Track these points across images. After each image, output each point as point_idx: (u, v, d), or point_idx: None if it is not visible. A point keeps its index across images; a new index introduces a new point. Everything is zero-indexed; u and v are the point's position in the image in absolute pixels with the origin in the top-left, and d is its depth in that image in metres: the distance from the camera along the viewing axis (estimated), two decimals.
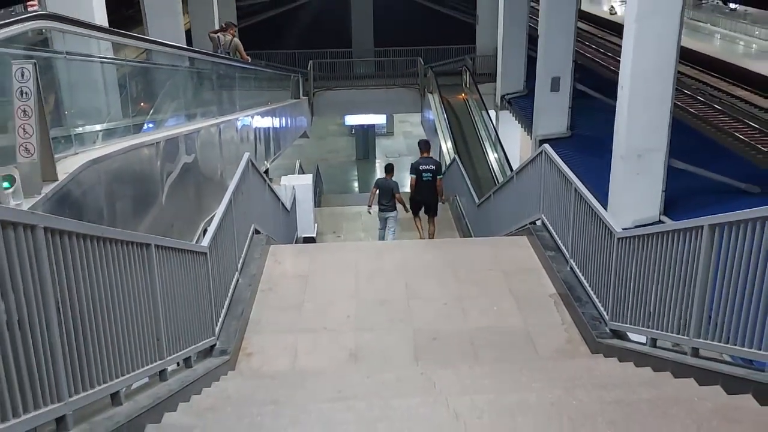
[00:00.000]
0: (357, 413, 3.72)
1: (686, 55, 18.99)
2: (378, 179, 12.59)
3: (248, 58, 13.88)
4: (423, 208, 11.42)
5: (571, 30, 15.79)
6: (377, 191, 11.85)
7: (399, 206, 11.85)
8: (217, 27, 18.75)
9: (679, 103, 14.67)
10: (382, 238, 12.09)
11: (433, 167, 11.01)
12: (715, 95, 20.92)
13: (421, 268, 7.82)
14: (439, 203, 11.46)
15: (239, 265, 6.87)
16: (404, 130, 34.09)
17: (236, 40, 13.12)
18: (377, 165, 30.50)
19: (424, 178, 10.90)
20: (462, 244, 11.05)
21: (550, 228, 7.77)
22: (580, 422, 3.28)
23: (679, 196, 10.49)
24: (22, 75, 3.88)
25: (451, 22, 28.67)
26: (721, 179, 10.94)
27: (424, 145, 11.53)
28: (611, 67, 21.97)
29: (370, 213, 12.45)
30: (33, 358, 2.52)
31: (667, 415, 3.32)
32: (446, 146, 19.86)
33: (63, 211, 4.16)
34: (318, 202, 18.41)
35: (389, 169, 12.57)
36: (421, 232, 11.63)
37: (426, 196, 11.15)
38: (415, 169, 11.02)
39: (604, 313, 5.87)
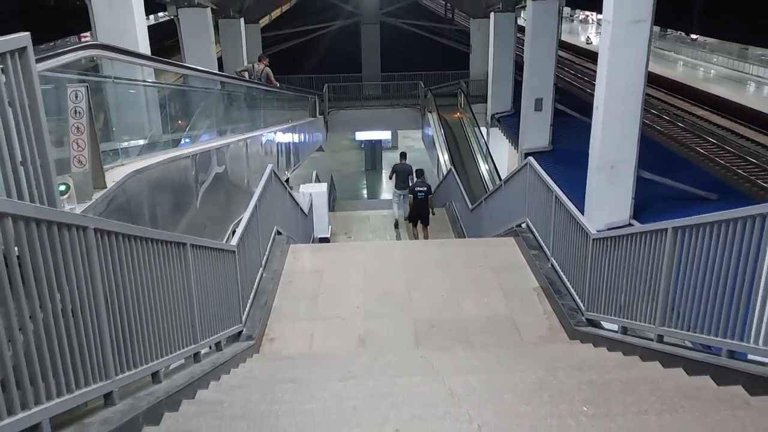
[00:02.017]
0: (365, 390, 3.71)
1: (653, 80, 18.96)
2: (395, 165, 14.85)
3: (277, 83, 13.95)
4: (419, 220, 13.02)
5: (552, 57, 15.80)
6: (395, 175, 14.21)
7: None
8: (245, 55, 18.89)
9: (647, 121, 14.64)
10: (400, 208, 14.41)
11: (425, 188, 12.86)
12: (678, 114, 20.90)
13: (421, 265, 7.80)
14: (431, 214, 13.05)
15: (263, 262, 6.88)
16: (407, 145, 33.99)
17: (267, 68, 13.28)
18: (383, 175, 30.50)
19: (419, 197, 12.75)
20: (457, 244, 11.04)
21: (534, 230, 7.75)
22: (560, 399, 3.27)
23: (647, 203, 10.48)
24: (76, 96, 3.90)
25: (448, 51, 28.73)
26: (683, 188, 10.92)
27: (420, 173, 13.36)
28: (587, 90, 21.98)
29: (391, 179, 14.80)
30: (84, 342, 2.53)
31: (636, 393, 3.30)
32: (443, 158, 19.85)
33: (111, 215, 4.18)
34: (332, 207, 18.41)
35: (404, 155, 14.97)
36: (417, 237, 13.07)
37: (420, 210, 12.84)
38: (412, 190, 13.00)
39: (581, 304, 5.85)
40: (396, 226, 14.93)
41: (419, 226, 13.00)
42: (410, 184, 13.44)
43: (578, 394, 3.32)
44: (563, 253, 6.52)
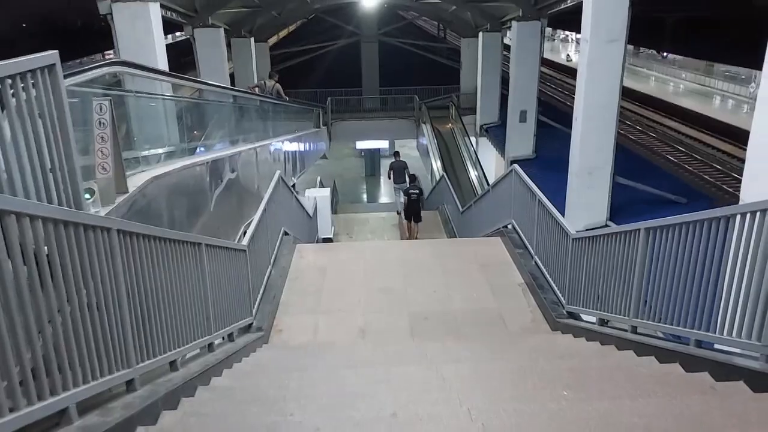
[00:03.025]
0: (364, 377, 3.71)
1: (627, 93, 18.99)
2: (391, 162, 15.92)
3: (287, 98, 13.93)
4: (412, 217, 13.58)
5: (535, 73, 15.82)
6: (392, 171, 15.34)
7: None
8: (255, 72, 18.86)
9: (622, 131, 14.66)
10: (400, 202, 14.88)
11: (418, 191, 13.58)
12: (650, 125, 20.93)
13: (416, 263, 7.80)
14: (422, 213, 13.63)
15: (272, 260, 6.87)
16: (403, 153, 33.99)
17: (278, 85, 13.28)
18: (382, 181, 30.49)
19: (412, 198, 13.35)
20: (448, 244, 11.05)
21: (519, 230, 7.76)
22: (542, 385, 3.28)
23: (622, 205, 10.48)
24: (101, 109, 3.90)
25: (440, 67, 28.76)
26: (655, 192, 10.92)
27: (413, 178, 14.33)
28: (567, 103, 22.00)
29: (390, 177, 15.87)
30: (107, 334, 2.53)
31: (612, 379, 3.31)
32: (436, 165, 19.86)
33: (132, 217, 4.17)
34: (334, 210, 18.37)
35: (397, 153, 16.40)
36: (408, 232, 13.65)
37: (413, 209, 13.45)
38: (406, 192, 13.61)
39: (562, 298, 5.86)
40: (398, 212, 15.69)
41: (412, 222, 13.54)
42: (407, 181, 14.26)
43: (559, 380, 3.32)
44: (545, 252, 6.53)
